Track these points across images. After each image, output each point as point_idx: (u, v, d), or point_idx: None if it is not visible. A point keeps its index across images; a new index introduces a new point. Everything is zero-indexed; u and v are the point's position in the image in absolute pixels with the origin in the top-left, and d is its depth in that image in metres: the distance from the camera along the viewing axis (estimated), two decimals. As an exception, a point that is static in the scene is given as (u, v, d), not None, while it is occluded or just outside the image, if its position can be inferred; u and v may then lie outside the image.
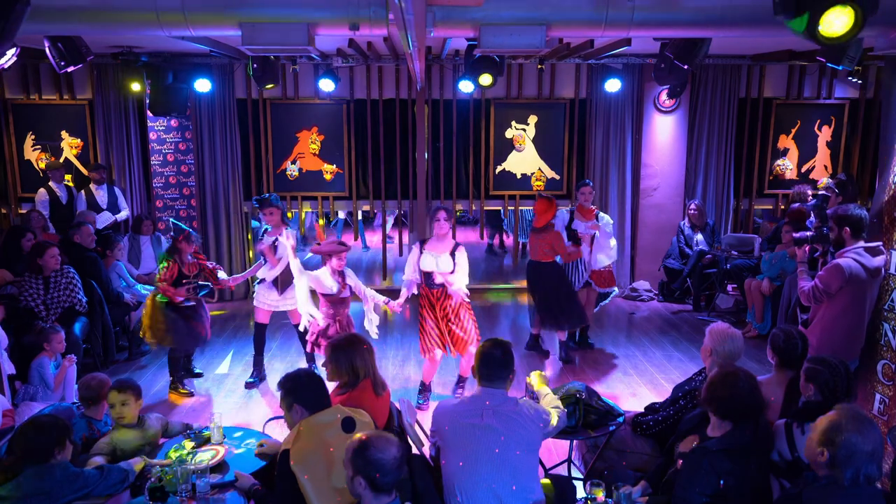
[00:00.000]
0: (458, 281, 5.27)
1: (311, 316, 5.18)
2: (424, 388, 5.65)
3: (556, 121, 8.60)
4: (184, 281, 5.53)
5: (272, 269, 5.79)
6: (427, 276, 5.35)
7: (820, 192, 7.84)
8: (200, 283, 5.63)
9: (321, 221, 6.26)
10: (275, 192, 8.50)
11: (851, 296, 4.16)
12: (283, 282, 5.81)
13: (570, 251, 6.22)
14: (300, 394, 3.06)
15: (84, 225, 6.57)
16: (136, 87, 7.53)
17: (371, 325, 5.34)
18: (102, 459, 3.39)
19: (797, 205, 7.77)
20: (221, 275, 5.87)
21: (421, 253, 5.38)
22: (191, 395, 5.73)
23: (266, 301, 5.87)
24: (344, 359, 3.47)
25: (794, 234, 6.76)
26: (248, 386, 5.92)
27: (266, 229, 5.86)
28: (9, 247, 6.15)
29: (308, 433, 2.91)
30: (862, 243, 4.20)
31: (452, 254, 5.34)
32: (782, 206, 8.82)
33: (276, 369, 6.26)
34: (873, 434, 2.44)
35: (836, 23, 3.21)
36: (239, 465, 3.39)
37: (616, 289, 6.87)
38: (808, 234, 6.54)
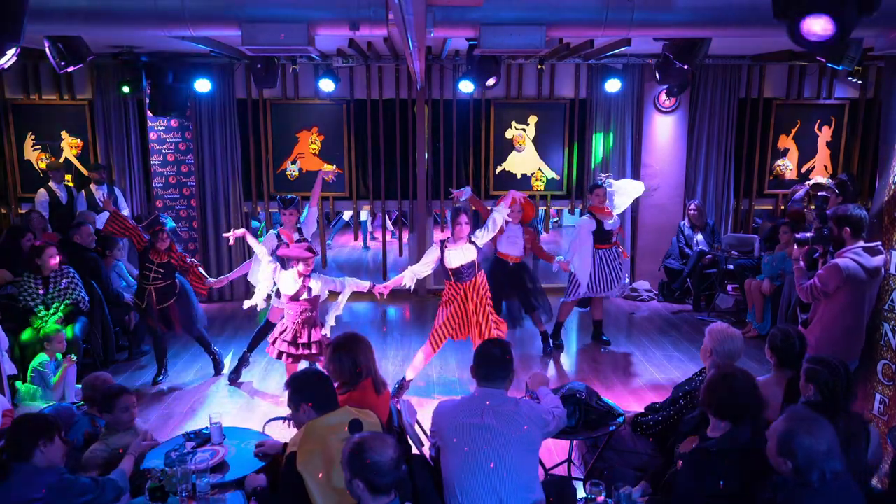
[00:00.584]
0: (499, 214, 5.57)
1: (264, 300, 5.42)
2: (404, 385, 5.71)
3: (556, 121, 8.59)
4: (146, 264, 5.75)
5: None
6: (456, 273, 5.43)
7: (820, 193, 7.83)
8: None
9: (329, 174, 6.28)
10: (275, 191, 8.53)
11: (850, 296, 4.16)
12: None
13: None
14: (308, 394, 3.04)
15: (84, 225, 6.57)
16: (127, 89, 7.47)
17: (330, 317, 5.30)
18: (95, 474, 3.36)
19: (792, 202, 7.84)
20: (203, 273, 6.03)
21: (443, 253, 5.42)
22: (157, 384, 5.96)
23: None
24: (347, 358, 3.46)
25: (797, 235, 6.76)
26: (232, 382, 6.01)
27: (262, 230, 5.90)
28: (8, 247, 6.15)
29: (315, 435, 2.89)
30: (861, 243, 4.20)
31: (471, 242, 5.45)
32: (782, 206, 8.82)
33: (277, 369, 6.27)
34: (825, 432, 2.48)
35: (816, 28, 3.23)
36: (239, 465, 3.39)
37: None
38: (809, 234, 6.54)
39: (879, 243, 4.07)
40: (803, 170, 8.88)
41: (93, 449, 3.56)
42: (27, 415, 3.24)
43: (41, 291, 5.70)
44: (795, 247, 4.66)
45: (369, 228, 12.67)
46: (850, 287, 4.14)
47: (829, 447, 2.44)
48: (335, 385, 3.50)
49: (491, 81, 7.13)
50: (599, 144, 8.57)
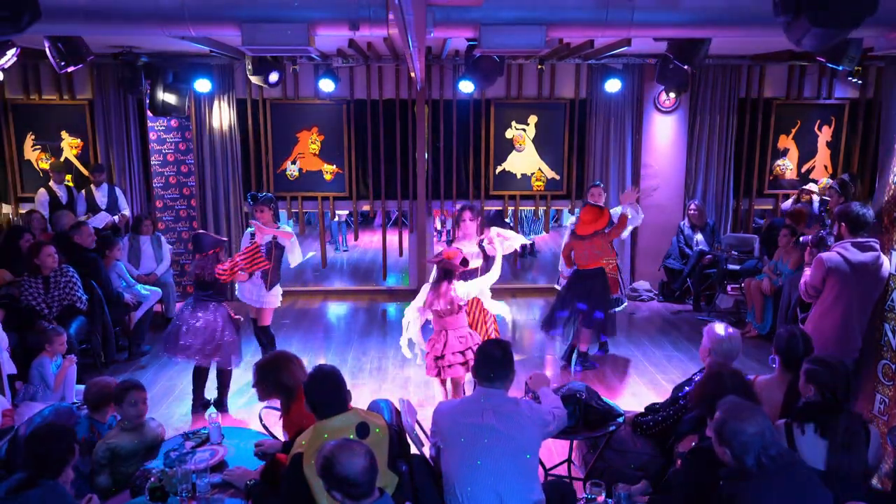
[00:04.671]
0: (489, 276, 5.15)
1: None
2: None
3: (556, 121, 8.59)
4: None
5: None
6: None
7: (824, 197, 7.88)
8: None
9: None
10: (275, 192, 8.53)
11: (836, 291, 4.20)
12: (272, 279, 5.80)
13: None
14: (309, 393, 2.99)
15: (84, 225, 6.57)
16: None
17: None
18: (107, 479, 3.41)
19: (790, 203, 7.88)
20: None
21: None
22: None
23: (247, 297, 5.80)
24: (270, 378, 3.44)
25: (801, 238, 6.80)
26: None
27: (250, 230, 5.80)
28: (8, 247, 6.15)
29: (322, 437, 2.87)
30: (855, 238, 4.22)
31: (480, 245, 5.29)
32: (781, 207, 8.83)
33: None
34: (755, 416, 2.58)
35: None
36: (238, 465, 3.38)
37: (625, 300, 6.62)
38: (810, 237, 6.58)
39: (873, 240, 4.08)
40: (803, 170, 8.88)
41: (96, 455, 3.55)
42: (42, 432, 3.07)
43: (41, 291, 5.70)
44: (807, 254, 4.72)
45: (346, 232, 12.61)
46: (834, 281, 4.18)
47: (759, 429, 2.54)
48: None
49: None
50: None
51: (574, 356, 6.34)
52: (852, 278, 4.13)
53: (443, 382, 4.98)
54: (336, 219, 11.76)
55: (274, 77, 7.11)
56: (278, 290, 5.87)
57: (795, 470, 2.59)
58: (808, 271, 4.56)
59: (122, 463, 3.52)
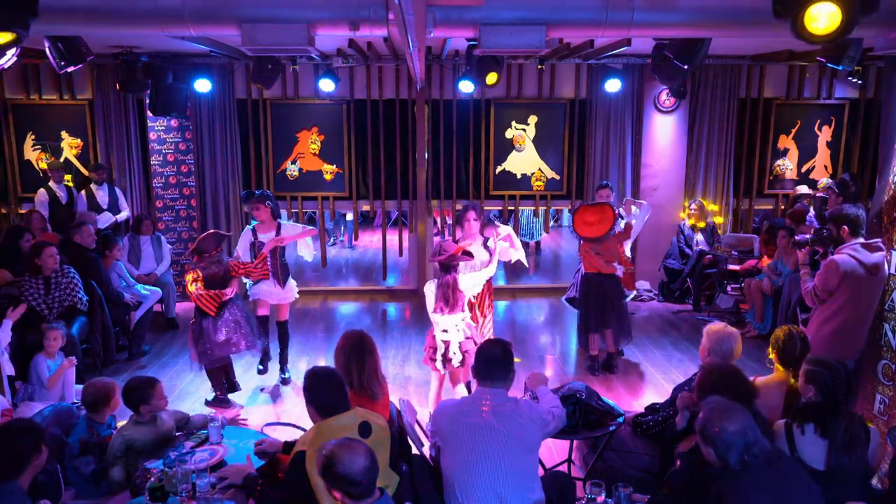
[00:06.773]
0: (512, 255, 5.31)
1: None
2: None
3: (556, 121, 8.60)
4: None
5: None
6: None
7: (819, 194, 7.87)
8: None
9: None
10: (275, 192, 8.54)
11: (849, 293, 4.16)
12: (284, 275, 5.92)
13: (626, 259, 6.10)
14: (312, 393, 3.01)
15: (84, 225, 6.57)
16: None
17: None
18: (121, 471, 3.44)
19: (798, 204, 7.85)
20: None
21: None
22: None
23: (265, 295, 5.95)
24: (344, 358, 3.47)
25: (796, 237, 6.78)
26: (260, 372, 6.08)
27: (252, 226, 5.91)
28: (8, 247, 6.14)
29: (326, 435, 2.87)
30: (861, 240, 4.21)
31: (485, 245, 5.25)
32: (782, 206, 8.83)
33: (274, 369, 6.26)
34: (737, 415, 2.60)
35: (821, 19, 3.23)
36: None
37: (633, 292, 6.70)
38: (808, 236, 6.56)
39: (879, 240, 4.07)
40: (803, 170, 8.88)
41: (112, 447, 3.56)
42: (13, 427, 3.05)
43: (42, 292, 5.70)
44: (798, 251, 4.68)
45: (340, 233, 12.58)
46: (849, 284, 4.14)
47: (741, 427, 2.55)
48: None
49: (493, 79, 6.69)
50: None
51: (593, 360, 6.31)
52: (867, 281, 4.10)
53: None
54: (335, 218, 11.79)
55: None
56: (292, 283, 6.02)
57: (781, 466, 2.59)
58: (803, 272, 4.53)
59: (136, 455, 3.53)
